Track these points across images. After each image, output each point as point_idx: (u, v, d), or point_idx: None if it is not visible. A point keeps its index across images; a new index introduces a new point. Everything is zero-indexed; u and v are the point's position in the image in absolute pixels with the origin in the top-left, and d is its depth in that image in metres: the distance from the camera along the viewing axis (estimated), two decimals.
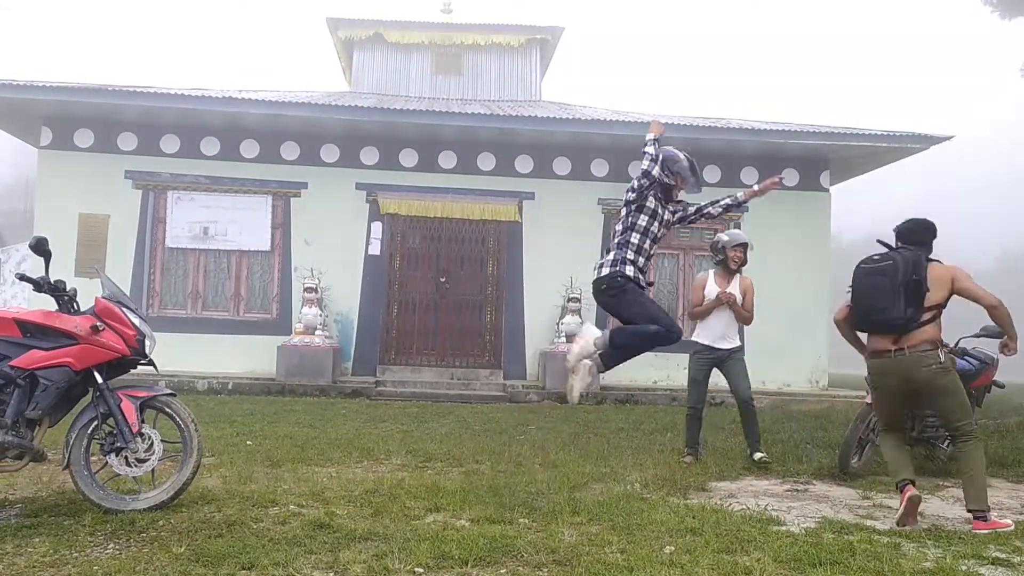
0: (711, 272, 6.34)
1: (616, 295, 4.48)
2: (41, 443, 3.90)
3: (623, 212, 4.66)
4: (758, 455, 5.96)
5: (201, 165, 11.92)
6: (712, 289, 6.19)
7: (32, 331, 3.87)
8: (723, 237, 6.28)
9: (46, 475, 4.77)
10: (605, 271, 4.55)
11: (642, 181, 4.54)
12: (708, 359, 6.19)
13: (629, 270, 4.47)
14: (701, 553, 3.48)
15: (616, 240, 4.61)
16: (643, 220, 4.57)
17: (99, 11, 78.97)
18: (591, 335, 4.50)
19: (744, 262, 6.28)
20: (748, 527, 3.98)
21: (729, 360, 6.20)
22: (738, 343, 6.36)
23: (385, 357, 12.00)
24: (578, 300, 11.46)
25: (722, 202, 4.80)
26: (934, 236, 4.69)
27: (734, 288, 6.21)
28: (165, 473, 4.24)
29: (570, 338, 11.31)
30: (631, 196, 4.61)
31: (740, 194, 4.87)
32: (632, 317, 4.46)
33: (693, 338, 6.27)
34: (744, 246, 6.23)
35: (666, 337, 4.35)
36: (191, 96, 11.26)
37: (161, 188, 11.90)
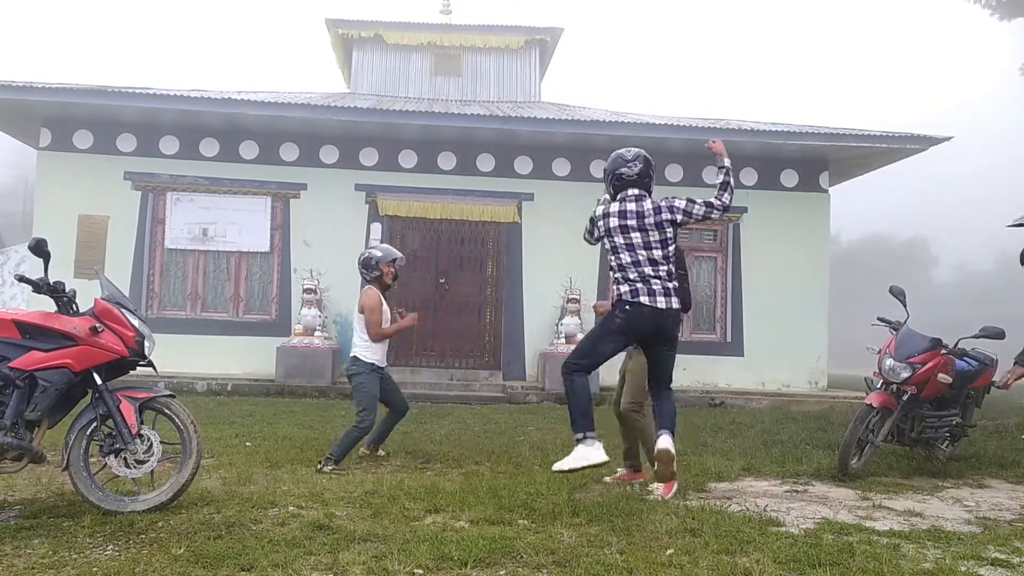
0: (374, 288, 5.90)
1: (677, 328, 4.60)
2: (40, 444, 3.90)
3: (669, 232, 4.55)
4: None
5: (200, 166, 11.93)
6: (386, 309, 5.92)
7: (31, 332, 3.87)
8: (375, 253, 5.93)
9: (45, 476, 4.77)
10: (675, 303, 4.50)
11: (710, 214, 4.57)
12: (380, 376, 5.90)
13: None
14: (701, 554, 3.48)
15: (668, 267, 4.51)
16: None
17: (99, 11, 78.98)
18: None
19: (396, 276, 6.03)
20: (747, 528, 3.97)
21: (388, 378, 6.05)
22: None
23: (384, 358, 11.97)
24: (577, 301, 11.47)
25: (719, 181, 4.75)
26: None
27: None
28: (164, 474, 4.24)
29: (569, 339, 11.32)
30: (684, 219, 4.59)
31: (725, 161, 4.88)
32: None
33: (365, 357, 5.84)
34: (394, 261, 5.97)
35: None
36: (190, 97, 11.26)
37: (160, 189, 11.90)
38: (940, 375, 5.64)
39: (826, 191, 12.74)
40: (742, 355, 12.23)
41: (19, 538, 3.53)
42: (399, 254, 6.03)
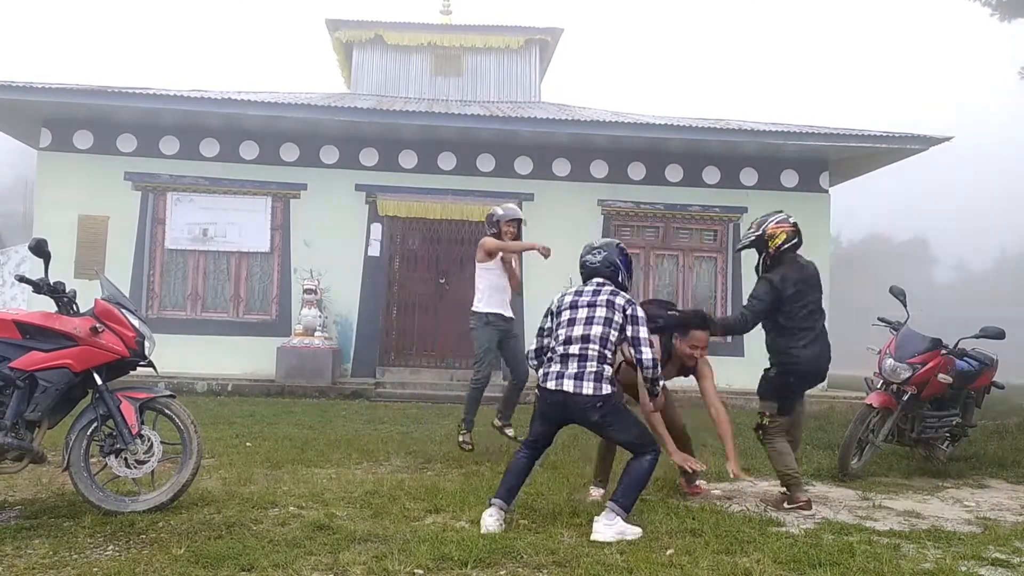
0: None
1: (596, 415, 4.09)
2: (40, 445, 3.90)
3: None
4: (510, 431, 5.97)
5: (200, 166, 11.93)
6: (498, 262, 6.18)
7: (32, 333, 3.87)
8: (498, 211, 6.16)
9: (45, 477, 4.77)
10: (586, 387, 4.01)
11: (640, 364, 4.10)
12: (498, 328, 6.10)
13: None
14: (701, 554, 3.48)
15: (604, 351, 4.04)
16: None
17: (99, 11, 78.98)
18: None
19: (517, 237, 6.20)
20: (748, 528, 3.98)
21: (512, 333, 6.21)
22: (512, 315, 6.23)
23: (384, 358, 12.00)
24: None
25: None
26: None
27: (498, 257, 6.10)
28: (165, 475, 4.24)
29: None
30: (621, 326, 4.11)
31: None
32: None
33: (478, 308, 6.14)
34: (518, 222, 6.17)
35: None
36: (190, 97, 11.26)
37: (160, 190, 11.90)
38: (940, 375, 5.65)
39: (826, 191, 12.74)
40: (742, 355, 12.19)
41: (20, 538, 3.54)
42: (521, 215, 6.18)
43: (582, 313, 4.07)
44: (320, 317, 11.19)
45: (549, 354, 4.13)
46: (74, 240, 11.53)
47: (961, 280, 46.34)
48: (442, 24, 16.00)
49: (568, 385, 3.95)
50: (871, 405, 5.67)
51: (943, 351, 5.76)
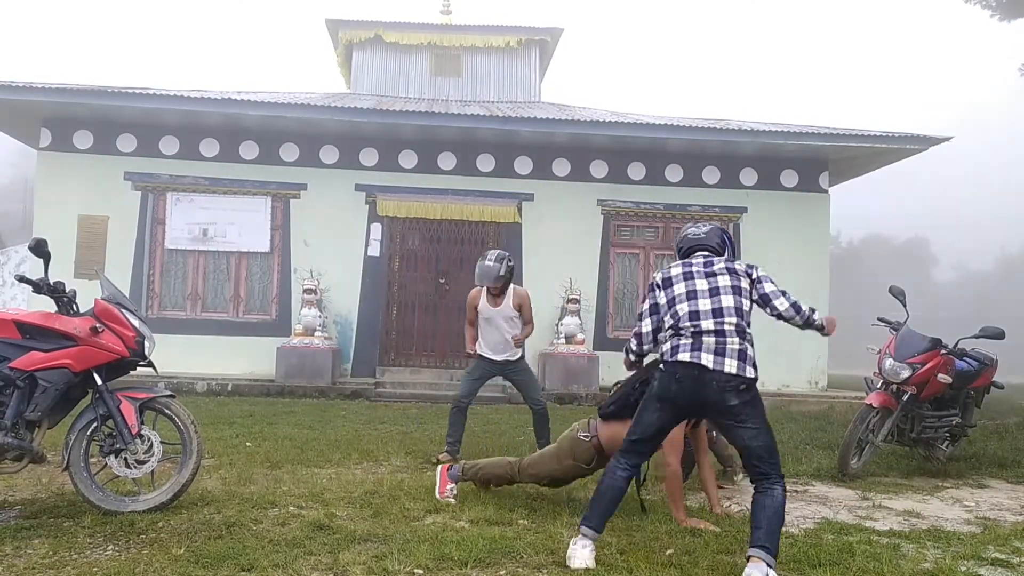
0: (483, 290, 6.24)
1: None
2: (40, 445, 3.90)
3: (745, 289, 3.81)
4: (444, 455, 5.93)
5: (200, 166, 11.92)
6: (484, 307, 6.23)
7: (31, 333, 3.87)
8: (476, 271, 6.16)
9: (45, 477, 4.77)
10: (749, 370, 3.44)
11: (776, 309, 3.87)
12: (487, 368, 6.26)
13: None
14: (700, 554, 3.48)
15: (743, 323, 3.63)
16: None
17: (99, 11, 78.97)
18: None
19: (502, 292, 6.17)
20: (747, 528, 3.97)
21: (511, 370, 6.26)
22: (519, 354, 6.27)
23: (384, 358, 12.00)
24: (577, 301, 11.47)
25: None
26: None
27: (507, 303, 6.16)
28: (164, 475, 4.24)
29: (569, 339, 11.33)
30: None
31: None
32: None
33: (476, 350, 6.32)
34: (494, 281, 6.05)
35: None
36: (190, 97, 11.26)
37: (160, 189, 11.90)
38: (940, 375, 5.65)
39: (826, 191, 12.74)
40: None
41: (19, 538, 3.54)
42: (492, 278, 6.07)
43: (702, 284, 3.58)
44: (320, 317, 11.18)
45: (670, 331, 3.53)
46: (74, 240, 11.53)
47: (961, 280, 46.37)
48: (442, 24, 16.00)
49: (707, 359, 3.37)
50: (871, 405, 5.67)
51: (943, 351, 5.76)
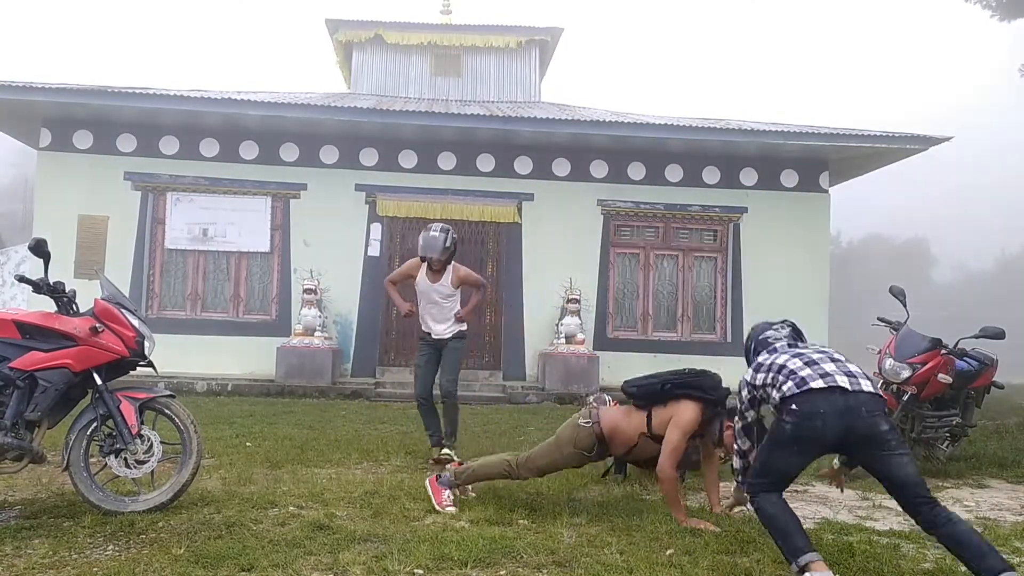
0: (424, 263, 6.07)
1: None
2: (40, 445, 3.90)
3: None
4: (444, 451, 5.81)
5: (200, 166, 11.93)
6: (422, 280, 6.07)
7: (31, 332, 3.87)
8: (420, 241, 5.99)
9: (45, 477, 4.77)
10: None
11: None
12: (430, 351, 6.20)
13: None
14: (700, 554, 3.48)
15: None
16: None
17: (99, 11, 78.98)
18: None
19: (448, 259, 6.05)
20: (747, 528, 3.97)
21: (446, 348, 6.17)
22: (458, 329, 6.19)
23: (384, 358, 11.99)
24: (577, 301, 11.47)
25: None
26: None
27: (446, 279, 6.05)
28: (164, 475, 4.24)
29: (569, 339, 11.33)
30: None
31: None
32: None
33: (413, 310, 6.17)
34: (440, 254, 5.92)
35: None
36: (190, 97, 11.26)
37: (160, 189, 11.90)
38: (940, 375, 5.64)
39: (826, 191, 12.74)
40: (742, 355, 12.21)
41: (19, 538, 3.53)
42: (437, 250, 5.99)
43: (798, 351, 3.49)
44: (320, 317, 11.18)
45: (780, 379, 3.33)
46: (74, 240, 11.53)
47: (961, 280, 46.37)
48: (442, 24, 16.00)
49: (843, 381, 3.13)
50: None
51: (943, 351, 5.76)
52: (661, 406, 4.20)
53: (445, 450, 5.85)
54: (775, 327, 3.91)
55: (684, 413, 4.11)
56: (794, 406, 3.16)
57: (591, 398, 4.62)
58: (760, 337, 3.88)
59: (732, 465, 3.72)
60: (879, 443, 3.06)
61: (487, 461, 4.53)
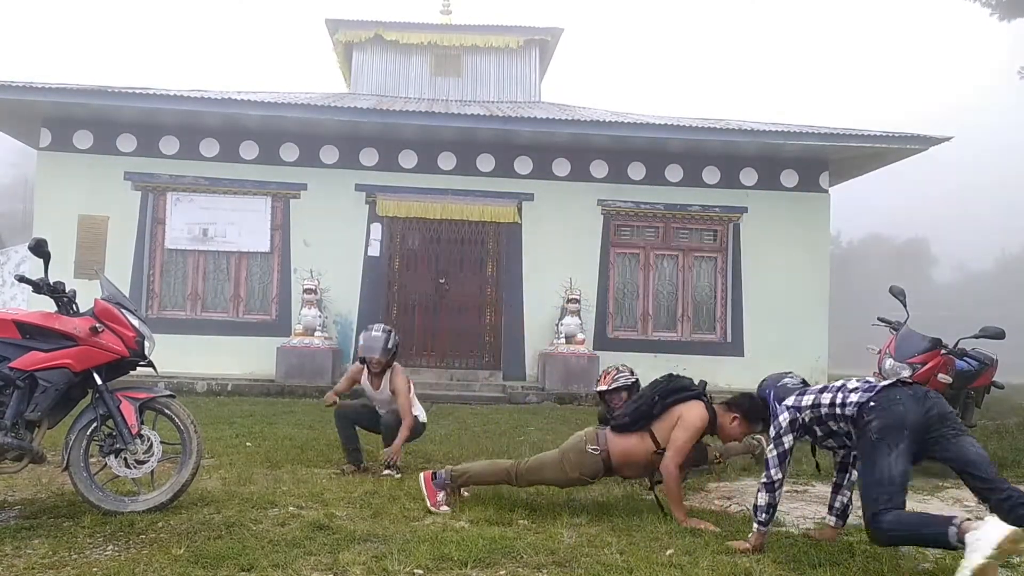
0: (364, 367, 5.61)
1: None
2: (40, 445, 3.90)
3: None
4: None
5: (200, 166, 11.93)
6: (366, 385, 5.58)
7: (31, 332, 3.87)
8: (360, 341, 5.61)
9: (45, 477, 4.77)
10: None
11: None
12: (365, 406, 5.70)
13: None
14: (700, 554, 3.48)
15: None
16: None
17: (99, 11, 79.00)
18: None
19: (389, 362, 5.52)
20: (747, 528, 3.96)
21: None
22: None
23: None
24: (577, 301, 11.47)
25: None
26: None
27: (385, 387, 5.51)
28: (164, 475, 4.24)
29: (570, 339, 11.32)
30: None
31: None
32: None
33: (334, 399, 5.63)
34: (380, 356, 5.46)
35: None
36: (190, 97, 11.26)
37: (160, 189, 11.90)
38: (940, 375, 5.64)
39: (826, 191, 12.74)
40: (742, 355, 12.23)
41: (19, 538, 3.53)
42: (377, 351, 5.44)
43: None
44: (320, 317, 11.18)
45: (842, 395, 3.49)
46: (74, 240, 11.53)
47: (961, 280, 46.38)
48: (442, 24, 16.00)
49: (905, 375, 3.49)
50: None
51: (943, 351, 5.76)
52: (658, 420, 4.21)
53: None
54: (788, 375, 4.05)
55: (691, 415, 4.13)
56: (872, 403, 3.35)
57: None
58: (779, 384, 3.99)
59: (755, 503, 3.58)
60: (950, 423, 3.25)
61: (486, 467, 4.48)
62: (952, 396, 5.99)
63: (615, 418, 4.37)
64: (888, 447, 3.22)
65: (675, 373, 4.46)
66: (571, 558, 3.40)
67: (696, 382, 4.37)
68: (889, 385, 3.41)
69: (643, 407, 4.24)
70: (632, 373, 5.58)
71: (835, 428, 3.59)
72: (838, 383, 3.64)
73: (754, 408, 4.10)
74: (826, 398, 3.57)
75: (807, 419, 3.62)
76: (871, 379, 3.63)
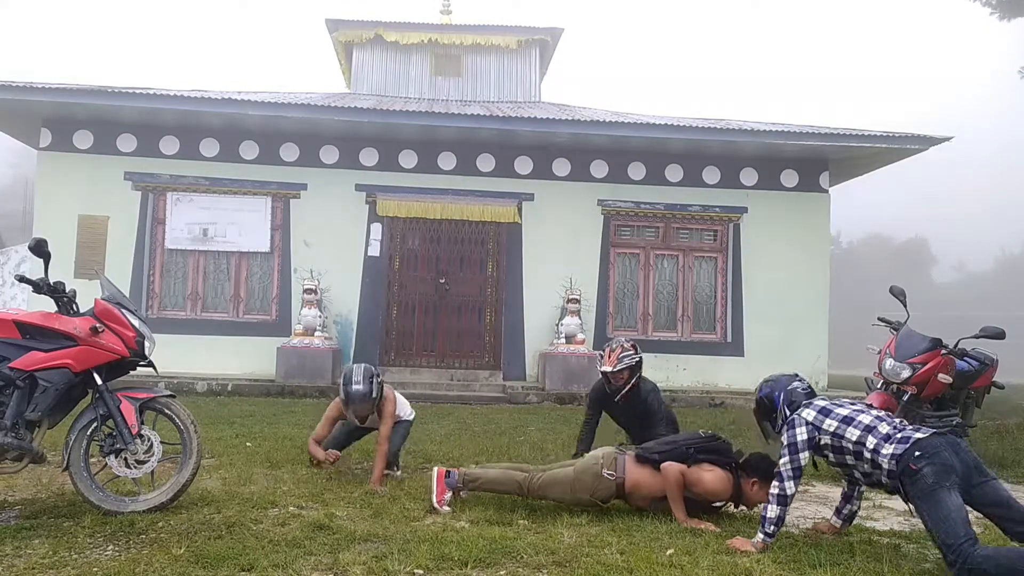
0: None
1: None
2: (40, 445, 3.90)
3: None
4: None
5: (200, 166, 11.92)
6: (350, 416, 5.11)
7: (32, 332, 3.87)
8: (341, 395, 5.05)
9: (45, 477, 4.77)
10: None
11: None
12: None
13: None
14: (701, 554, 3.48)
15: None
16: None
17: (99, 11, 79.02)
18: None
19: (367, 413, 5.07)
20: (748, 528, 3.97)
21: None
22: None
23: (385, 358, 11.99)
24: (577, 301, 11.46)
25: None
26: None
27: (373, 420, 5.15)
28: (164, 475, 4.24)
29: (570, 339, 11.33)
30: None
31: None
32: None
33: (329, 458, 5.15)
34: (369, 408, 5.05)
35: None
36: (190, 97, 11.25)
37: (160, 189, 11.90)
38: (940, 375, 5.63)
39: (826, 191, 12.74)
40: (742, 355, 12.23)
41: (19, 538, 3.53)
42: (362, 395, 4.97)
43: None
44: (320, 317, 11.18)
45: (874, 437, 3.52)
46: (74, 240, 11.52)
47: (961, 280, 46.37)
48: (442, 24, 16.00)
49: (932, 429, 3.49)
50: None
51: (943, 351, 5.75)
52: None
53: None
54: (797, 379, 4.04)
55: (715, 481, 4.15)
56: (918, 452, 3.34)
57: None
58: (789, 388, 3.98)
59: (764, 514, 3.59)
60: (983, 470, 3.32)
61: (498, 476, 4.36)
62: (952, 396, 6.00)
63: (644, 448, 4.35)
64: (947, 489, 3.23)
65: (719, 436, 4.41)
66: (571, 558, 3.40)
67: (735, 450, 4.35)
68: (926, 437, 3.38)
69: (676, 452, 4.23)
70: (636, 351, 5.57)
71: (851, 462, 3.61)
72: (858, 411, 3.65)
73: (771, 468, 3.94)
74: (852, 434, 3.57)
75: (822, 442, 3.64)
76: (893, 419, 3.62)
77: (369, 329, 11.95)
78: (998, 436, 7.63)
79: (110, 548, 3.45)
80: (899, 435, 3.46)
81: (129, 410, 3.97)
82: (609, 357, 5.50)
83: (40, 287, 3.95)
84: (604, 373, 5.54)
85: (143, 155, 11.84)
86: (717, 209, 12.46)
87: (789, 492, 3.58)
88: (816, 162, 12.60)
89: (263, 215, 12.01)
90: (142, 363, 4.12)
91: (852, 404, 3.78)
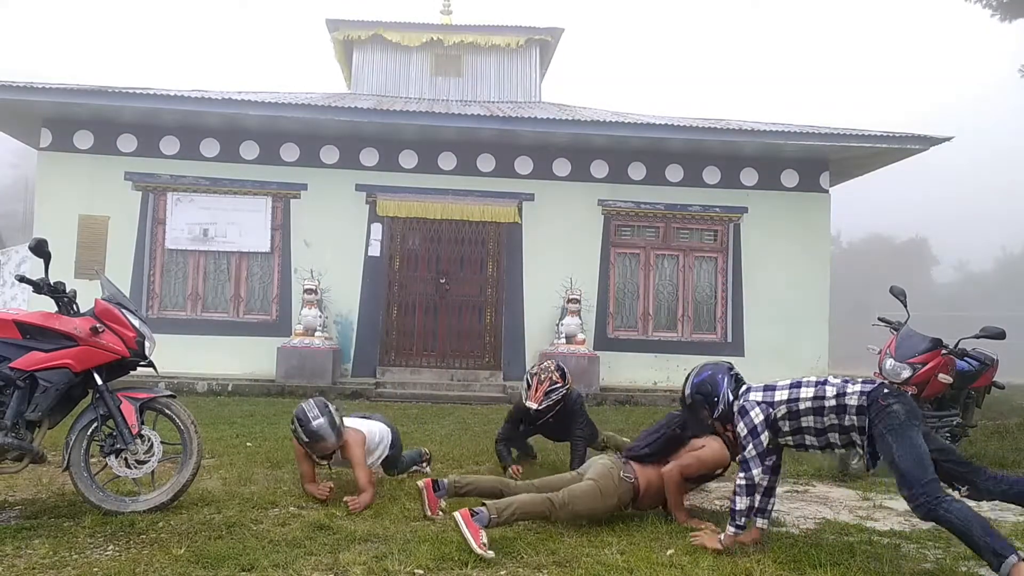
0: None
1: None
2: (41, 445, 3.90)
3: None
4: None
5: (201, 166, 11.92)
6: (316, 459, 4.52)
7: (32, 333, 3.87)
8: (303, 437, 4.35)
9: (46, 477, 4.77)
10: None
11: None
12: None
13: None
14: (701, 554, 3.48)
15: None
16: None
17: (99, 11, 79.05)
18: None
19: (334, 448, 4.42)
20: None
21: None
22: None
23: (385, 358, 12.00)
24: (577, 301, 11.46)
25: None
26: None
27: (338, 456, 4.52)
28: (165, 475, 4.24)
29: (570, 339, 11.33)
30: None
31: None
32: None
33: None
34: (334, 446, 4.41)
35: None
36: (191, 97, 11.25)
37: (161, 190, 11.90)
38: (941, 375, 5.63)
39: (826, 191, 12.74)
40: (742, 355, 12.22)
41: (20, 538, 3.54)
42: (321, 441, 4.35)
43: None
44: (320, 317, 11.18)
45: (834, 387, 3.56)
46: (74, 240, 11.52)
47: (962, 280, 46.34)
48: (442, 24, 16.00)
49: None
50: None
51: (943, 351, 5.75)
52: (676, 453, 4.20)
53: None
54: (731, 368, 4.05)
55: (711, 455, 4.15)
56: (886, 390, 3.45)
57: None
58: (732, 373, 4.00)
59: (733, 507, 3.54)
60: (924, 422, 3.50)
61: (527, 500, 4.04)
62: (952, 396, 6.00)
63: (631, 449, 4.31)
64: (916, 428, 3.34)
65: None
66: (571, 558, 3.40)
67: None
68: (882, 387, 3.49)
69: (669, 438, 4.20)
70: (564, 380, 5.21)
71: (807, 424, 3.58)
72: (798, 379, 3.70)
73: (730, 407, 3.91)
74: (806, 392, 3.60)
75: (777, 415, 3.63)
76: (831, 378, 3.66)
77: (369, 329, 11.95)
78: (998, 436, 7.63)
79: (110, 548, 3.45)
80: (852, 380, 3.59)
81: (129, 410, 3.98)
82: (536, 392, 5.14)
83: (40, 287, 3.95)
84: (528, 409, 5.17)
85: (143, 155, 11.84)
86: (717, 209, 12.46)
87: (757, 480, 3.58)
88: (816, 162, 12.61)
89: (263, 215, 12.01)
90: (142, 363, 4.12)
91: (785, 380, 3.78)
